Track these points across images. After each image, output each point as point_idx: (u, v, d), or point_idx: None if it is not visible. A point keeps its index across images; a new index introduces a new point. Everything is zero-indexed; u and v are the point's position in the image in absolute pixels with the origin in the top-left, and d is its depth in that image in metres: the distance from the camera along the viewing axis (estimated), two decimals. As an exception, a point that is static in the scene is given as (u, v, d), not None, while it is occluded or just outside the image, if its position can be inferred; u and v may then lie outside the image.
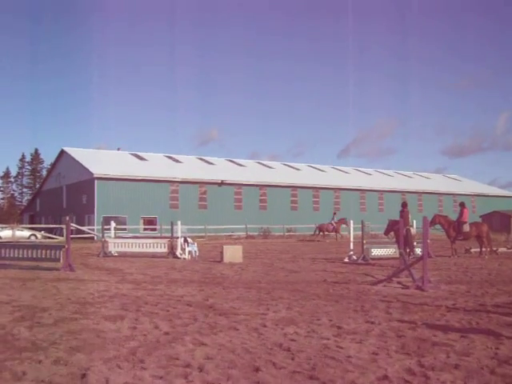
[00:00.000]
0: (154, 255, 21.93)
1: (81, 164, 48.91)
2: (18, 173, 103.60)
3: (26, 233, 41.53)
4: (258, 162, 65.87)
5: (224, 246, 20.03)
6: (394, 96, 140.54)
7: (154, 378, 5.11)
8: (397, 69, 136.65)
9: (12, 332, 7.04)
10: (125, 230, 42.10)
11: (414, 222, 21.20)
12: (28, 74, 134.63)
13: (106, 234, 23.72)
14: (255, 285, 12.39)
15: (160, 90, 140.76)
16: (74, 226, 36.80)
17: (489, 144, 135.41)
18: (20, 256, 16.86)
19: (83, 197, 49.15)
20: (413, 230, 19.70)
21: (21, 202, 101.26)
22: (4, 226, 44.27)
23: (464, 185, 74.90)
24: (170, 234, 23.24)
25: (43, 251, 16.68)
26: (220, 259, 19.37)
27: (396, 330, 7.17)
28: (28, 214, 66.55)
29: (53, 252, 16.49)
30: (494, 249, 23.04)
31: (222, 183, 52.12)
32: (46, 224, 52.61)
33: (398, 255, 17.61)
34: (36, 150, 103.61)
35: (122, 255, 22.17)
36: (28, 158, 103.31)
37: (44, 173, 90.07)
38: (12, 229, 39.53)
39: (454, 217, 23.48)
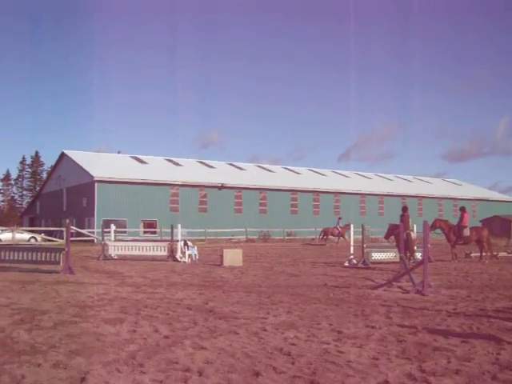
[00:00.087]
0: (153, 258, 21.91)
1: (81, 167, 48.93)
2: (19, 175, 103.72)
3: (26, 235, 41.50)
4: (259, 166, 65.87)
5: (224, 250, 20.01)
6: (394, 100, 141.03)
7: (153, 382, 5.09)
8: (397, 72, 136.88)
9: (11, 335, 7.01)
10: (125, 232, 42.08)
11: (415, 226, 21.16)
12: (28, 77, 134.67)
13: (105, 237, 23.70)
14: (255, 288, 12.36)
15: (160, 93, 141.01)
16: (73, 228, 36.80)
17: (489, 148, 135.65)
18: (20, 259, 16.84)
19: (83, 200, 49.14)
20: (413, 235, 19.67)
21: (21, 204, 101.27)
22: (4, 228, 44.25)
23: (464, 189, 74.90)
24: (170, 238, 23.22)
25: (43, 254, 16.65)
26: (220, 263, 19.35)
27: (396, 335, 7.15)
28: (28, 217, 66.50)
29: (53, 255, 16.46)
30: (495, 253, 23.01)
31: (222, 187, 52.12)
32: (45, 227, 52.58)
33: (398, 259, 17.59)
34: (36, 153, 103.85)
35: (122, 258, 22.14)
36: (28, 161, 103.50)
37: (44, 175, 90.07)
38: (12, 231, 39.49)
39: (454, 221, 23.45)
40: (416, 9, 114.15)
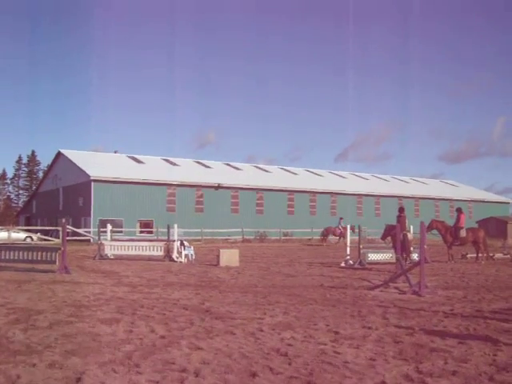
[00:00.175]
0: (150, 258, 21.87)
1: (77, 166, 48.82)
2: (15, 174, 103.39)
3: (22, 235, 41.39)
4: (255, 166, 65.84)
5: (220, 250, 19.99)
6: (391, 100, 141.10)
7: (149, 382, 5.07)
8: (395, 73, 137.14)
9: (6, 335, 6.98)
10: (121, 232, 41.99)
11: (411, 227, 21.16)
12: (25, 76, 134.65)
13: (102, 237, 23.65)
14: (252, 289, 12.35)
15: (157, 93, 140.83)
16: (70, 228, 36.75)
17: (486, 149, 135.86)
18: (15, 258, 16.79)
19: (80, 199, 49.03)
20: (410, 235, 19.66)
21: (17, 203, 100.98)
22: (0, 227, 44.12)
23: (461, 190, 75.01)
24: (166, 237, 23.18)
25: (39, 253, 16.61)
26: (216, 263, 19.32)
27: (393, 336, 7.14)
28: (24, 216, 66.34)
29: (49, 254, 16.43)
30: (491, 255, 23.06)
31: (218, 187, 52.08)
32: (42, 226, 52.47)
33: (394, 260, 17.61)
34: (33, 152, 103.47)
35: (118, 258, 22.09)
36: (25, 160, 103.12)
37: (40, 175, 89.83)
38: (8, 231, 39.41)
39: (450, 222, 23.48)
40: (414, 10, 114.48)
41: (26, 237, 40.95)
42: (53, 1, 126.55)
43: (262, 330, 7.46)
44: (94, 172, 46.46)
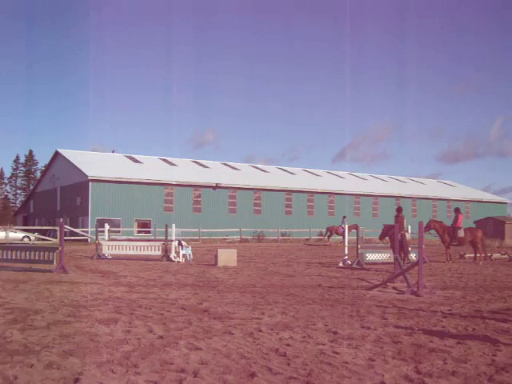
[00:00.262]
0: (147, 258, 21.85)
1: (75, 166, 48.77)
2: (12, 174, 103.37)
3: (20, 234, 41.34)
4: (253, 166, 65.83)
5: (218, 250, 19.95)
6: (389, 100, 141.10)
7: (147, 383, 5.04)
8: (393, 73, 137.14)
9: (4, 335, 6.94)
10: (119, 232, 41.96)
11: (409, 227, 21.17)
12: (23, 76, 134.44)
13: (99, 237, 23.61)
14: (250, 289, 12.33)
15: (155, 93, 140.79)
16: (67, 227, 36.67)
17: (483, 150, 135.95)
18: (13, 258, 16.76)
19: (77, 199, 48.99)
20: (408, 235, 19.67)
21: (14, 203, 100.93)
22: (-3, 227, 44.04)
23: (458, 190, 75.09)
24: (164, 237, 23.16)
25: (36, 253, 16.58)
26: (214, 263, 19.30)
27: (392, 336, 7.12)
28: (21, 216, 66.27)
29: (46, 254, 16.39)
30: (489, 255, 23.08)
31: (216, 186, 52.06)
32: (39, 226, 52.40)
33: (392, 260, 17.60)
34: (30, 152, 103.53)
35: (116, 258, 22.07)
36: (22, 160, 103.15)
37: (38, 174, 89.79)
38: (5, 230, 39.32)
39: (448, 222, 23.49)
40: (411, 10, 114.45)
41: (24, 236, 40.90)
42: (50, 1, 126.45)
43: (260, 330, 7.43)
44: (91, 172, 46.41)
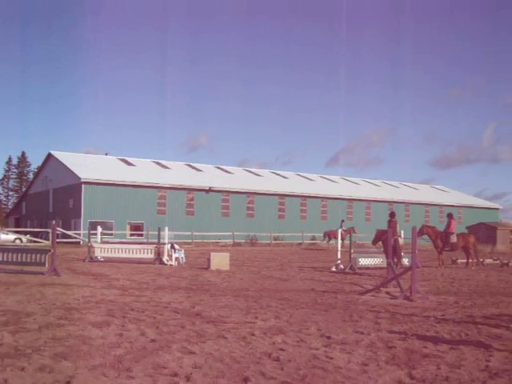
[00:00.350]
0: (140, 261, 21.77)
1: (68, 168, 48.62)
2: (5, 176, 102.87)
3: (11, 236, 41.16)
4: (246, 170, 65.86)
5: (211, 253, 19.91)
6: (383, 105, 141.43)
7: (140, 386, 5.01)
8: (387, 78, 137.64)
9: (-5, 337, 6.89)
10: (111, 235, 41.84)
11: (402, 232, 21.20)
12: (17, 78, 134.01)
13: (92, 239, 23.52)
14: (243, 293, 12.30)
15: (149, 96, 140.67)
16: (60, 230, 36.50)
17: (476, 155, 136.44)
18: (5, 260, 16.66)
19: (70, 201, 48.83)
20: (401, 240, 19.71)
21: (6, 205, 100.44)
22: (-11, 229, 43.83)
23: (451, 196, 75.37)
24: (156, 240, 23.09)
25: (28, 255, 16.48)
26: (207, 266, 19.25)
27: (385, 341, 7.11)
28: (13, 218, 65.96)
29: (38, 256, 16.29)
30: (481, 260, 23.14)
31: (209, 190, 52.02)
32: (31, 228, 52.16)
33: (385, 265, 17.60)
34: (23, 153, 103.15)
35: (108, 260, 21.98)
36: (15, 161, 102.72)
37: (31, 176, 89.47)
38: (-3, 232, 39.13)
39: (440, 227, 23.54)
40: (407, 15, 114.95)
41: (16, 238, 40.72)
42: (44, 4, 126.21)
43: (253, 335, 7.40)
44: (84, 174, 46.29)
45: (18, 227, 56.67)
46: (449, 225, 21.84)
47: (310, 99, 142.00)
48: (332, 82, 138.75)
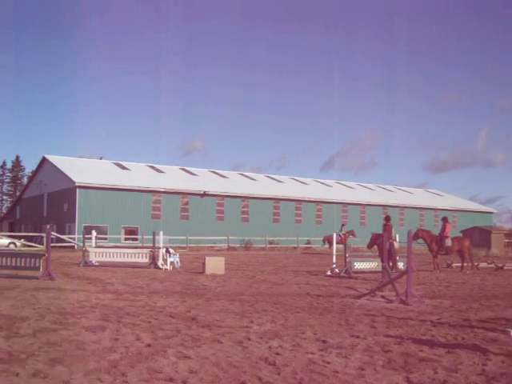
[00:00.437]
0: (135, 265, 21.70)
1: (62, 172, 48.49)
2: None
3: (5, 240, 40.96)
4: (241, 174, 65.83)
5: (206, 258, 19.86)
6: (377, 109, 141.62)
7: (136, 391, 4.97)
8: (381, 82, 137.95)
9: (-11, 342, 6.83)
10: (106, 239, 41.72)
11: (397, 235, 21.20)
12: (11, 82, 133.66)
13: (86, 243, 23.43)
14: (238, 297, 12.26)
15: (144, 100, 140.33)
16: (54, 234, 36.36)
17: (470, 159, 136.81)
18: (-2, 264, 16.55)
19: (64, 205, 48.69)
20: (396, 244, 19.70)
21: (0, 209, 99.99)
22: (-18, 233, 43.64)
23: (445, 200, 75.52)
24: (151, 245, 23.02)
25: (23, 259, 16.39)
26: (202, 270, 19.20)
27: (382, 345, 7.09)
28: (7, 222, 65.71)
29: (32, 260, 16.21)
30: (476, 264, 23.18)
31: (204, 194, 51.98)
32: (25, 232, 51.97)
33: (380, 269, 17.59)
34: (17, 157, 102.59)
35: (103, 265, 21.89)
36: (9, 165, 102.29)
37: (25, 180, 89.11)
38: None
39: (435, 231, 23.57)
40: (401, 18, 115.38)
41: (10, 243, 40.53)
42: (38, 9, 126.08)
43: (249, 339, 7.37)
44: (78, 178, 46.18)
45: (12, 231, 56.46)
46: (444, 229, 21.88)
47: (305, 103, 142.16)
48: (326, 86, 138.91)
